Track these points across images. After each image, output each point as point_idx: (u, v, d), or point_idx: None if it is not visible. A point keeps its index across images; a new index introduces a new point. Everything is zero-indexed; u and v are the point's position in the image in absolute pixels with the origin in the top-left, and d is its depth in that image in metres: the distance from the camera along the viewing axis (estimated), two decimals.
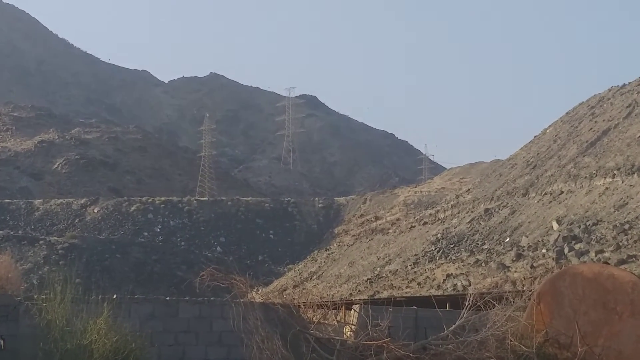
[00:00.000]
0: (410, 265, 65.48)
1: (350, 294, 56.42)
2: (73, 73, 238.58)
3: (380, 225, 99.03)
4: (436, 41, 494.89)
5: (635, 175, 62.89)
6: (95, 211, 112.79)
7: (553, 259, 47.87)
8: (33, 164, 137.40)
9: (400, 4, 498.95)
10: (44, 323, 15.08)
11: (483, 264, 52.59)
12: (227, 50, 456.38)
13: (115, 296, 16.61)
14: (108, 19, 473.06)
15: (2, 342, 15.40)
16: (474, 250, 62.52)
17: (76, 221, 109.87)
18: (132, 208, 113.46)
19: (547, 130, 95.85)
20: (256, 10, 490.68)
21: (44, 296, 15.53)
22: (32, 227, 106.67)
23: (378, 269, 71.56)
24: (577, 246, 49.56)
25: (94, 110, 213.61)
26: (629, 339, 14.14)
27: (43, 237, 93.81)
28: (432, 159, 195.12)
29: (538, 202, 71.16)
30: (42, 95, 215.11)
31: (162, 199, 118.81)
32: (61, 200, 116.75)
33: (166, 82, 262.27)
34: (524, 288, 26.25)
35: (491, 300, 16.06)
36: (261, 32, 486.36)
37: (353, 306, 18.69)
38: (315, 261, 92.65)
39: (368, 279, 64.44)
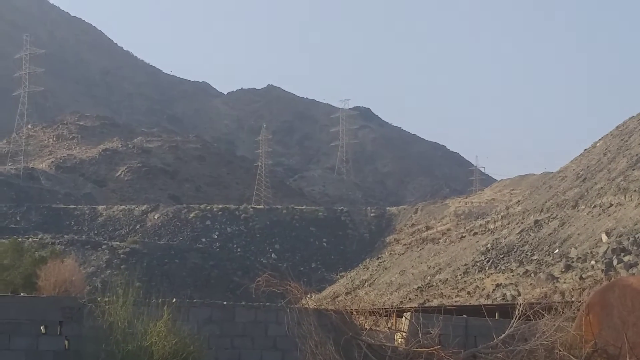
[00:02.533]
0: (460, 275, 65.73)
1: (401, 302, 56.64)
2: (136, 84, 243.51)
3: (431, 234, 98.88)
4: (488, 55, 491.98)
5: None
6: (156, 217, 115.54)
7: (602, 270, 47.11)
8: (97, 171, 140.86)
9: (452, 18, 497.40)
10: (107, 325, 15.36)
11: (532, 275, 52.41)
12: (284, 62, 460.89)
13: (174, 300, 16.70)
14: (170, 32, 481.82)
15: (66, 342, 15.70)
16: (523, 260, 62.46)
17: (137, 227, 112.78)
18: (191, 215, 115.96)
19: (598, 144, 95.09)
20: (312, 25, 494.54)
21: (106, 299, 15.78)
22: (96, 232, 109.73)
23: (428, 277, 72.23)
24: (626, 258, 49.00)
25: (155, 120, 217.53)
26: None
27: (106, 241, 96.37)
28: (483, 171, 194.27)
29: (587, 214, 70.66)
30: (107, 105, 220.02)
31: (220, 206, 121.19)
32: (123, 206, 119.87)
33: (225, 93, 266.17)
34: (573, 299, 26.31)
35: (540, 310, 16.04)
36: (316, 45, 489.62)
37: (404, 314, 18.74)
38: (367, 269, 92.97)
39: (419, 287, 65.16)
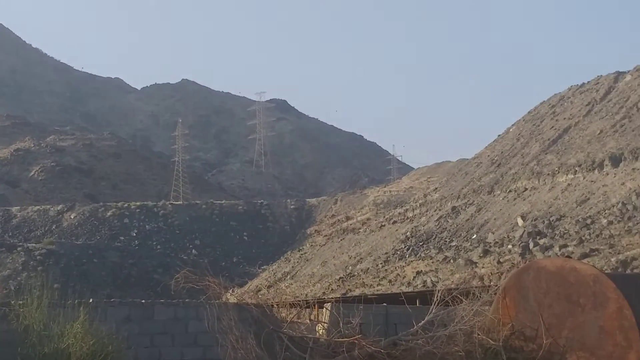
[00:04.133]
0: (381, 264, 66.73)
1: (323, 293, 57.53)
2: (47, 82, 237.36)
3: (351, 225, 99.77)
4: (400, 45, 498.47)
5: (595, 171, 64.72)
6: (72, 217, 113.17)
7: (519, 254, 49.18)
8: (9, 171, 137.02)
9: (363, 9, 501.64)
10: (22, 328, 14.97)
11: (451, 261, 54.01)
12: (198, 57, 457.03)
13: (91, 300, 16.38)
14: (81, 28, 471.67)
15: None
16: (442, 247, 63.90)
17: (53, 227, 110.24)
18: (108, 213, 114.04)
19: (511, 129, 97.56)
20: (225, 19, 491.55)
21: (21, 302, 15.35)
22: (10, 234, 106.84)
23: (350, 267, 73.02)
24: (541, 241, 50.93)
25: (68, 118, 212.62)
26: (592, 330, 14.33)
27: (21, 243, 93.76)
28: (400, 159, 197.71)
29: (503, 199, 72.53)
30: (17, 104, 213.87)
31: (138, 203, 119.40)
32: (38, 207, 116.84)
33: (139, 89, 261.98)
34: (491, 283, 27.04)
35: (459, 295, 16.14)
36: (231, 39, 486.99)
37: (325, 304, 18.72)
38: (289, 261, 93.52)
39: (340, 277, 65.78)
